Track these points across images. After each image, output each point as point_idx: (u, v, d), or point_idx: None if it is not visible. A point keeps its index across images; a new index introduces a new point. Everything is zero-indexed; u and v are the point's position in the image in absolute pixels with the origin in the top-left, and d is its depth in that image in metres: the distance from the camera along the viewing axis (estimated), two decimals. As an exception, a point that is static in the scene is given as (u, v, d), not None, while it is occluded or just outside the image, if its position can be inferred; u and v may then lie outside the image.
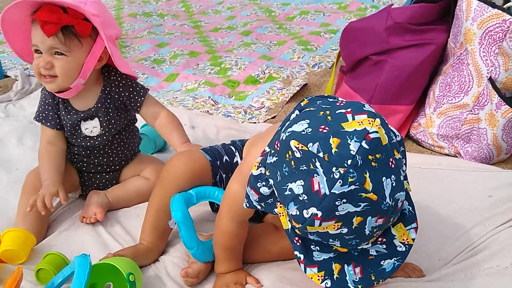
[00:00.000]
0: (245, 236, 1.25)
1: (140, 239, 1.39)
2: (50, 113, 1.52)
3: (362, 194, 0.85)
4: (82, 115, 1.50)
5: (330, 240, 0.93)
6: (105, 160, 1.60)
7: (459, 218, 1.42)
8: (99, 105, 1.50)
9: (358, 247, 0.99)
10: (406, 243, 0.99)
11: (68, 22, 1.35)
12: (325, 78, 2.47)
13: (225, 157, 1.41)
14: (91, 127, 1.52)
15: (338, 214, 0.87)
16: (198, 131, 2.08)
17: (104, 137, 1.54)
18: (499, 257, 1.23)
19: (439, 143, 1.80)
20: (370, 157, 0.85)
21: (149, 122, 1.60)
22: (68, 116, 1.51)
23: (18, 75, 2.69)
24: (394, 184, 0.88)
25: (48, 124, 1.53)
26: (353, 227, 0.88)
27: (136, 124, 1.67)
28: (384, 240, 0.99)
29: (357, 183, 0.84)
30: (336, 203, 0.85)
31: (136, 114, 1.61)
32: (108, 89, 1.51)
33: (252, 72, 2.57)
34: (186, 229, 1.24)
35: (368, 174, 0.85)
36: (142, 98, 1.54)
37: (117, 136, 1.58)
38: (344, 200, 0.85)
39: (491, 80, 1.61)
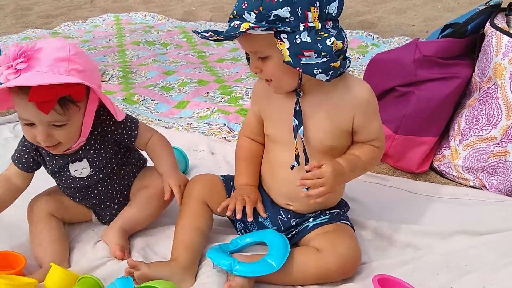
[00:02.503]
0: (258, 155, 1.49)
1: (173, 255, 1.38)
2: (26, 157, 1.45)
3: None
4: (69, 158, 1.42)
5: None
6: (102, 197, 1.53)
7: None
8: (87, 147, 1.42)
9: None
10: None
11: (64, 93, 1.24)
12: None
13: None
14: (80, 169, 1.45)
15: None
16: (218, 157, 2.06)
17: (95, 177, 1.47)
18: None
19: (464, 175, 1.81)
20: None
21: (140, 148, 1.54)
22: (54, 161, 1.43)
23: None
24: None
25: (20, 166, 1.46)
26: None
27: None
28: None
29: None
30: None
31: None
32: (98, 129, 1.43)
33: (264, 102, 2.57)
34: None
35: None
36: (136, 132, 1.47)
37: (110, 174, 1.49)
38: None
39: (521, 113, 1.65)
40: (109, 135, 1.43)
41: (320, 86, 1.30)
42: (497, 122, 1.70)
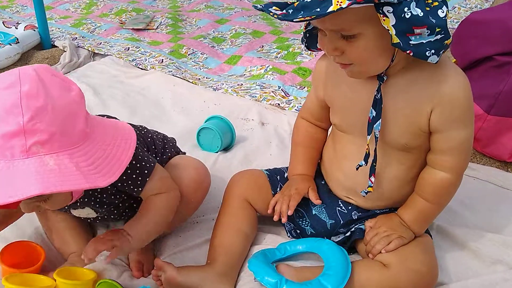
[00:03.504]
0: (318, 140, 1.27)
1: (208, 259, 1.18)
2: None
3: None
4: (65, 207, 1.13)
5: None
6: (117, 222, 1.31)
7: None
8: (86, 199, 1.11)
9: None
10: None
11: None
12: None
13: (286, 174, 1.31)
14: (84, 214, 1.19)
15: None
16: (269, 128, 1.81)
17: (106, 217, 1.22)
18: None
19: None
20: None
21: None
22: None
23: (67, 45, 2.47)
24: None
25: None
26: None
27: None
28: None
29: None
30: None
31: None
32: None
33: (326, 59, 2.26)
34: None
35: None
36: (141, 188, 1.12)
37: (122, 212, 1.23)
38: None
39: None
40: (112, 186, 1.08)
41: (405, 70, 1.03)
42: None
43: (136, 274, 1.19)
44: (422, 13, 0.88)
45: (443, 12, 0.91)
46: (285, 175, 1.31)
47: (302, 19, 0.88)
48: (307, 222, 1.24)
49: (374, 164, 1.09)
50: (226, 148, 1.69)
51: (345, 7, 0.83)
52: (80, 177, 0.88)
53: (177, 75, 2.17)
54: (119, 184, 1.09)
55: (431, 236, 1.19)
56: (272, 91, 2.02)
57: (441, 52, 0.95)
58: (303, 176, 1.25)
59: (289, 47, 2.43)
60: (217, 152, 1.66)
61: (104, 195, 1.12)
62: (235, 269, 1.17)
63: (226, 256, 1.16)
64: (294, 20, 0.90)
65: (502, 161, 1.58)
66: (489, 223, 1.31)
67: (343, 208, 1.22)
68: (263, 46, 2.50)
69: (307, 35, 1.09)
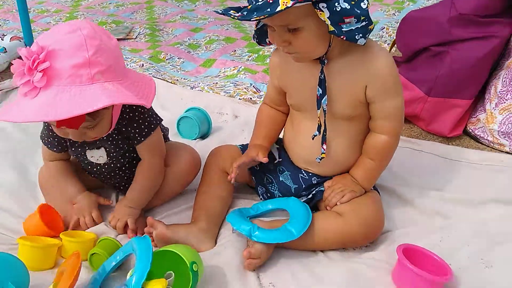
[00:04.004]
0: (277, 122, 1.47)
1: (192, 219, 1.39)
2: (56, 140, 1.41)
3: None
4: (86, 146, 1.38)
5: None
6: (119, 181, 1.50)
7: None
8: (105, 137, 1.35)
9: None
10: None
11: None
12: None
13: None
14: (97, 156, 1.40)
15: None
16: (240, 120, 2.01)
17: (112, 165, 1.43)
18: None
19: (500, 141, 1.73)
20: None
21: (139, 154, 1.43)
22: (74, 145, 1.39)
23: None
24: None
25: (54, 149, 1.43)
26: None
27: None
28: None
29: None
30: None
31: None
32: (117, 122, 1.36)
33: (292, 61, 2.49)
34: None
35: None
36: (143, 138, 1.36)
37: (126, 164, 1.45)
38: None
39: None
40: (125, 128, 1.35)
41: (342, 54, 1.26)
42: (538, 85, 1.60)
43: (131, 236, 1.38)
44: (349, 6, 1.11)
45: (364, 4, 1.14)
46: None
47: (257, 18, 1.10)
48: (276, 187, 1.46)
49: (325, 133, 1.31)
50: (203, 137, 1.90)
51: (290, 6, 1.05)
52: (133, 96, 1.15)
53: (156, 77, 2.37)
54: (130, 129, 1.34)
55: (379, 193, 1.42)
56: (245, 88, 2.24)
57: (367, 35, 1.17)
58: (257, 145, 1.45)
59: (259, 51, 2.66)
60: (195, 140, 1.86)
61: (118, 137, 1.35)
62: (215, 226, 1.38)
63: (207, 216, 1.37)
64: (251, 19, 1.11)
65: (443, 136, 1.83)
66: (431, 184, 1.54)
67: (304, 175, 1.44)
68: (235, 50, 2.73)
69: (258, 32, 1.31)
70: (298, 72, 1.32)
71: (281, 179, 1.46)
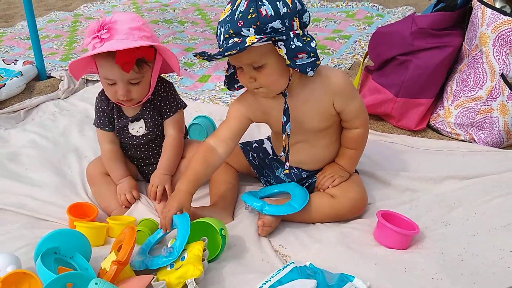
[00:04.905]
0: (212, 165, 1.60)
1: (211, 202, 1.73)
2: (106, 119, 1.79)
3: None
4: (130, 119, 1.76)
5: None
6: (150, 154, 1.84)
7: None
8: (144, 109, 1.75)
9: None
10: None
11: (140, 55, 1.58)
12: (347, 78, 2.75)
13: (255, 144, 1.83)
14: (137, 128, 1.77)
15: None
16: (240, 123, 2.33)
17: (149, 136, 1.78)
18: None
19: (456, 131, 2.09)
20: None
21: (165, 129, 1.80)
22: (119, 120, 1.77)
23: (64, 75, 2.94)
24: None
25: (106, 128, 1.80)
26: None
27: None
28: None
29: None
30: None
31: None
32: (152, 96, 1.74)
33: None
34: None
35: None
36: (171, 114, 1.76)
37: (159, 135, 1.81)
38: None
39: (503, 76, 1.92)
40: (159, 103, 1.75)
41: (301, 83, 1.53)
42: (483, 84, 1.97)
43: (159, 204, 1.73)
44: (301, 44, 1.39)
45: (313, 44, 1.41)
46: (254, 145, 1.83)
47: (230, 53, 1.30)
48: (274, 180, 1.79)
49: (288, 153, 1.57)
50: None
51: (255, 42, 1.31)
52: (168, 50, 1.65)
53: (161, 92, 2.69)
54: (162, 104, 1.74)
55: (358, 174, 1.76)
56: (239, 98, 2.57)
57: (315, 68, 1.42)
58: (182, 191, 1.54)
59: (248, 66, 3.00)
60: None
61: (154, 111, 1.75)
62: (230, 206, 1.71)
63: (222, 198, 1.70)
64: (224, 55, 1.32)
65: (411, 130, 2.19)
66: (402, 168, 1.88)
67: (295, 171, 1.74)
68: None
69: (227, 79, 1.57)
70: (268, 106, 1.59)
71: (277, 174, 1.78)
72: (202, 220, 1.49)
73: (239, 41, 1.33)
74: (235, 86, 1.60)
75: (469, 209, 1.61)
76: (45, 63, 3.18)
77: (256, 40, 1.31)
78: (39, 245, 1.37)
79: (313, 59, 1.42)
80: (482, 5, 1.93)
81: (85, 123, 2.41)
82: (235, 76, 1.54)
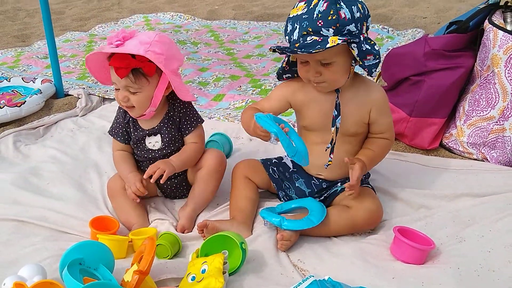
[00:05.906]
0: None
1: (230, 216, 1.76)
2: (121, 130, 1.85)
3: None
4: (147, 132, 1.81)
5: None
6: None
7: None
8: (162, 124, 1.80)
9: None
10: None
11: (136, 65, 1.64)
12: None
13: (274, 160, 1.89)
14: (154, 142, 1.82)
15: None
16: (255, 143, 2.38)
17: (164, 151, 1.83)
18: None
19: (469, 150, 2.13)
20: None
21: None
22: (136, 133, 1.82)
23: (81, 93, 3.01)
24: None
25: (118, 138, 1.86)
26: None
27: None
28: None
29: None
30: None
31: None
32: (171, 113, 1.80)
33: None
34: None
35: None
36: (192, 128, 1.82)
37: (175, 150, 1.84)
38: None
39: (515, 96, 1.96)
40: (178, 120, 1.80)
41: (350, 85, 1.66)
42: (495, 104, 2.01)
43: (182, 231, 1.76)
44: (370, 47, 1.52)
45: (377, 47, 1.55)
46: (273, 161, 1.88)
47: (316, 51, 1.45)
48: (293, 191, 1.83)
49: (334, 146, 1.67)
50: (227, 156, 2.26)
51: (338, 44, 1.44)
52: (176, 79, 1.71)
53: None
54: (183, 121, 1.80)
55: (374, 190, 1.79)
56: (254, 117, 2.62)
57: (376, 69, 1.58)
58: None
59: (262, 86, 3.06)
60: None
61: (172, 127, 1.80)
62: (249, 220, 1.74)
63: (241, 213, 1.74)
64: (311, 51, 1.45)
65: (424, 149, 2.23)
66: (416, 185, 1.92)
67: (316, 181, 1.80)
68: (240, 86, 3.13)
69: (280, 71, 1.69)
70: (315, 98, 1.69)
71: (297, 185, 1.82)
72: (223, 233, 1.52)
73: (319, 40, 1.47)
74: (284, 76, 1.73)
75: (483, 226, 1.64)
76: (62, 81, 3.26)
77: (340, 41, 1.44)
78: (65, 256, 1.41)
79: (377, 60, 1.55)
80: (494, 28, 1.99)
81: (103, 140, 2.46)
82: (286, 68, 1.70)
